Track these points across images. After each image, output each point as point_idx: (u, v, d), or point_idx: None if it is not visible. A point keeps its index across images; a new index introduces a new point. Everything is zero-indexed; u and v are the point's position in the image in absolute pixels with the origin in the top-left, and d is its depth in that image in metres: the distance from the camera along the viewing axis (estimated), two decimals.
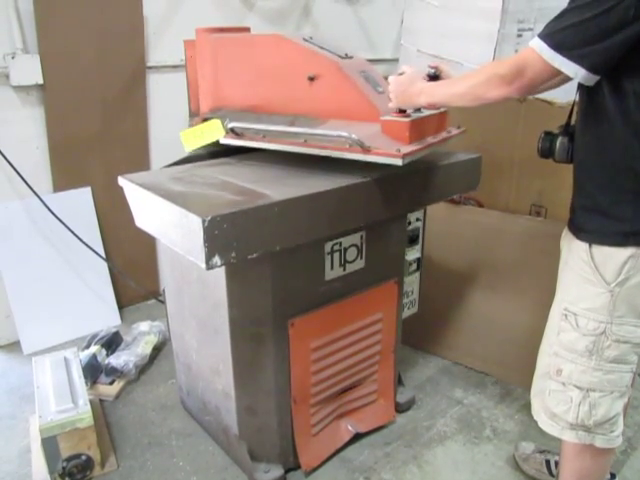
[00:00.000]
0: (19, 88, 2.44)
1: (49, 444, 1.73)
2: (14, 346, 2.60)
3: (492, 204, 2.36)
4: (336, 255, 1.72)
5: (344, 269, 1.76)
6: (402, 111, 1.56)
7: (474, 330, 2.41)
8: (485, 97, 1.31)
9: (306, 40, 1.78)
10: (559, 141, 1.47)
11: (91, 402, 1.86)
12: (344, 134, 1.48)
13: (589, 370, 1.36)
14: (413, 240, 2.12)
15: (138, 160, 2.75)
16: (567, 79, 1.35)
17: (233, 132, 1.72)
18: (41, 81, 2.45)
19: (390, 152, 1.45)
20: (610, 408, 1.39)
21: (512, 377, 2.30)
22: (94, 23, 2.54)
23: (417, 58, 3.15)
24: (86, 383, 2.02)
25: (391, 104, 1.56)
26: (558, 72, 1.19)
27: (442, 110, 1.70)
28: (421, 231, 2.15)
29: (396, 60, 3.62)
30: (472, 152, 1.94)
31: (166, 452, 1.97)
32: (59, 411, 1.75)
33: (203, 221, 1.26)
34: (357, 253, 1.77)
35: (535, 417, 1.53)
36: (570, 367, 1.39)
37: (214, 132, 1.74)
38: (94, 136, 2.67)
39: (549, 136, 1.51)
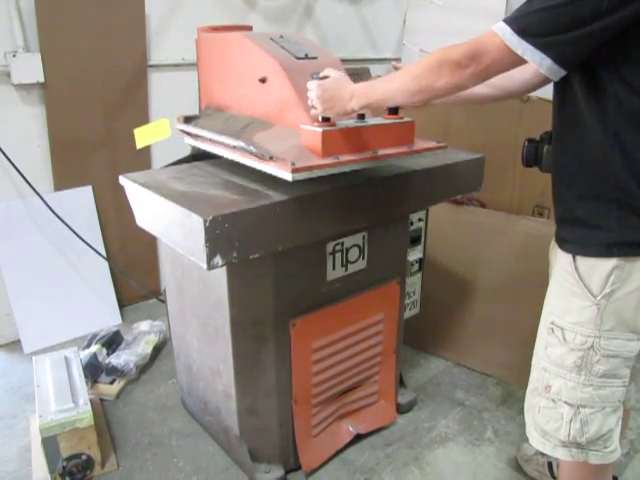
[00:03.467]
0: (20, 86, 2.43)
1: (49, 443, 1.73)
2: (14, 345, 2.60)
3: (495, 205, 2.35)
4: (338, 255, 1.71)
5: (346, 269, 1.75)
6: (326, 119, 1.40)
7: (476, 331, 2.40)
8: (434, 87, 1.18)
9: (272, 40, 1.70)
10: (545, 149, 1.39)
11: (91, 401, 1.86)
12: (238, 143, 1.44)
13: (579, 386, 1.28)
14: (415, 241, 2.11)
15: (139, 159, 2.74)
16: (546, 79, 1.30)
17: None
18: (42, 79, 2.44)
19: (284, 164, 1.33)
20: (603, 424, 1.30)
21: (514, 378, 2.29)
22: (95, 21, 2.53)
23: (419, 58, 3.14)
24: (86, 382, 2.01)
25: (315, 111, 1.40)
26: (520, 60, 1.08)
27: (405, 120, 1.52)
28: (423, 232, 2.14)
29: (398, 59, 3.62)
30: (475, 152, 1.94)
31: (166, 452, 1.96)
32: (59, 410, 1.75)
33: (205, 221, 1.25)
34: (359, 253, 1.76)
35: (527, 434, 1.45)
36: (559, 383, 1.31)
37: (162, 131, 1.72)
38: (95, 135, 2.66)
39: (533, 144, 1.43)
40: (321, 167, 1.37)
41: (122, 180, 1.66)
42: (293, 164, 1.31)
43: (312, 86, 1.40)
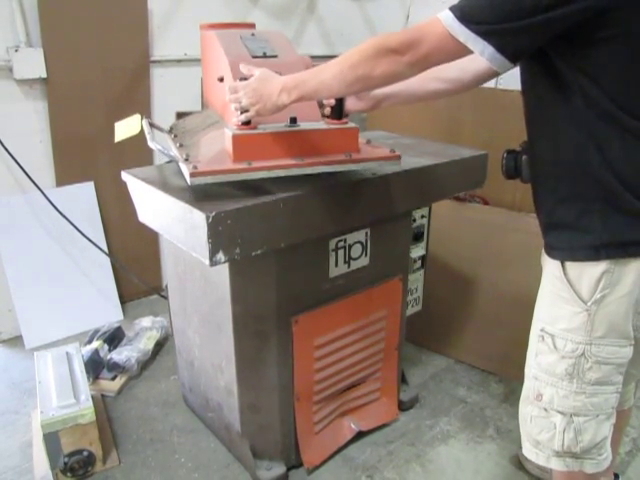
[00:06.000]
0: (22, 82, 2.43)
1: (51, 440, 1.73)
2: (16, 341, 2.60)
3: (498, 202, 2.35)
4: (340, 252, 1.70)
5: (348, 266, 1.74)
6: (246, 122, 1.34)
7: (478, 328, 2.39)
8: (370, 77, 1.13)
9: (241, 38, 1.67)
10: (524, 159, 1.35)
11: (93, 398, 1.85)
12: (159, 147, 1.42)
13: (571, 394, 1.25)
14: (418, 237, 2.10)
15: (141, 155, 2.72)
16: (494, 72, 1.23)
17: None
18: (44, 75, 2.43)
19: (188, 167, 1.29)
20: (597, 432, 1.27)
21: (516, 376, 2.28)
22: (98, 16, 2.52)
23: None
24: (88, 378, 2.01)
25: (248, 114, 1.33)
26: (462, 49, 1.05)
27: (347, 126, 1.44)
28: (426, 228, 2.14)
29: None
30: (478, 149, 1.93)
31: (168, 448, 1.96)
32: (61, 406, 1.75)
33: (207, 217, 1.25)
34: (362, 250, 1.76)
35: (522, 444, 1.41)
36: (551, 391, 1.27)
37: (133, 127, 1.71)
38: (97, 130, 2.65)
39: (512, 154, 1.38)
40: (224, 172, 1.31)
41: (124, 176, 1.65)
42: (195, 167, 1.28)
43: (234, 88, 1.34)
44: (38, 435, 1.86)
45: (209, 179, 1.30)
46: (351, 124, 1.47)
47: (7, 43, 2.35)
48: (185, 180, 1.36)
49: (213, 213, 1.26)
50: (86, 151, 2.66)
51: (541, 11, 0.98)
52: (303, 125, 1.43)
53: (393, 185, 1.65)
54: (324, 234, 1.60)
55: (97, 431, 1.81)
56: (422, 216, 2.09)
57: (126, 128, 1.71)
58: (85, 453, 1.79)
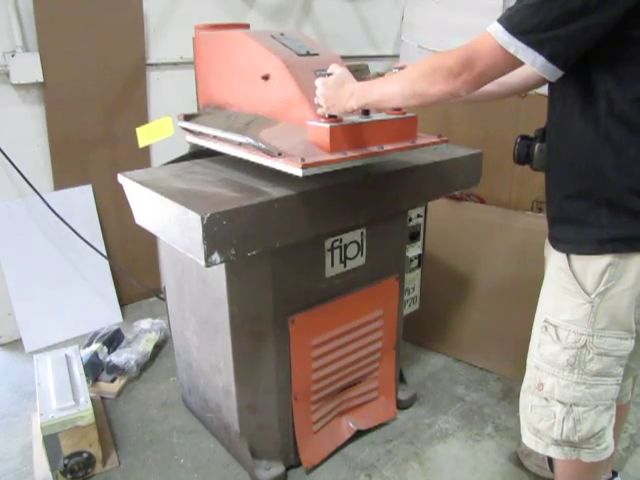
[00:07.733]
0: (19, 86, 2.44)
1: (50, 442, 1.73)
2: (16, 344, 2.61)
3: (494, 200, 2.35)
4: (336, 252, 1.71)
5: (345, 266, 1.75)
6: (332, 115, 1.42)
7: (476, 327, 2.40)
8: (427, 94, 1.17)
9: (273, 37, 1.70)
10: (537, 147, 1.38)
11: (92, 400, 1.86)
12: (247, 140, 1.45)
13: (572, 384, 1.28)
14: (414, 236, 2.11)
15: (139, 157, 2.74)
16: (543, 79, 1.30)
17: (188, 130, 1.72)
18: (41, 79, 2.44)
19: (293, 160, 1.34)
20: (595, 423, 1.30)
21: (514, 374, 2.29)
22: (94, 20, 2.54)
23: (418, 54, 3.13)
24: (87, 381, 2.02)
25: (320, 110, 1.42)
26: (514, 60, 1.05)
27: (408, 115, 1.55)
28: (422, 227, 2.14)
29: (397, 56, 3.61)
30: (473, 148, 1.94)
31: (167, 449, 1.97)
32: (60, 409, 1.75)
33: (202, 218, 1.26)
34: (358, 250, 1.77)
35: (521, 432, 1.44)
36: (552, 381, 1.31)
37: (165, 130, 1.71)
38: (95, 134, 2.67)
39: (526, 141, 1.42)
40: (330, 162, 1.38)
41: (120, 178, 1.66)
42: (303, 160, 1.32)
43: (319, 84, 1.41)
44: (38, 437, 1.86)
45: (316, 170, 1.35)
46: (410, 114, 1.55)
47: (3, 48, 2.36)
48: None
49: (208, 214, 1.26)
50: (84, 155, 2.68)
51: (590, 12, 0.98)
52: (375, 116, 1.51)
53: (389, 184, 1.66)
54: (320, 234, 1.61)
55: (97, 433, 1.82)
56: (418, 215, 2.10)
57: (155, 132, 1.72)
58: (85, 455, 1.80)
